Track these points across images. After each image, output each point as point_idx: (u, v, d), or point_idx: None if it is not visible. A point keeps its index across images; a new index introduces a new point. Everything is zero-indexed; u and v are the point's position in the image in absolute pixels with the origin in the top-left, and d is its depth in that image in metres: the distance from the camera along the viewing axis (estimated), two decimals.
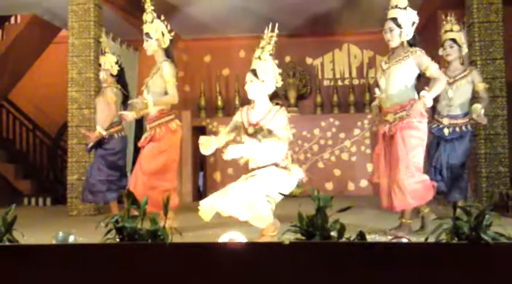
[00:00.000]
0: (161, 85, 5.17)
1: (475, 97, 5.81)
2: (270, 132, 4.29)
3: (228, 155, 4.26)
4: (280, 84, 4.45)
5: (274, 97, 4.45)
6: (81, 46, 7.20)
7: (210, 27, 10.18)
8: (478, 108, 5.55)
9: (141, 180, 5.08)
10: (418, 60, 4.60)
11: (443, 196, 5.89)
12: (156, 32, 5.22)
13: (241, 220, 4.19)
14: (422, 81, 4.79)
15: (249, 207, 4.13)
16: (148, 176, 5.11)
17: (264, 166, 4.33)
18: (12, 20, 10.61)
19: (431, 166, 5.82)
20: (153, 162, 5.13)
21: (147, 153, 5.18)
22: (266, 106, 4.39)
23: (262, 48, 4.41)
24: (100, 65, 6.51)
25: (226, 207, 4.17)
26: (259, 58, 4.38)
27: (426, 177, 4.65)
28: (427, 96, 4.44)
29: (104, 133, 6.27)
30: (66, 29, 7.62)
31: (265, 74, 4.33)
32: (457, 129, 5.77)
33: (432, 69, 4.55)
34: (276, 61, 4.45)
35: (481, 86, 5.78)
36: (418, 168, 4.61)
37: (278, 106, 4.37)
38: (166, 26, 5.31)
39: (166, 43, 5.27)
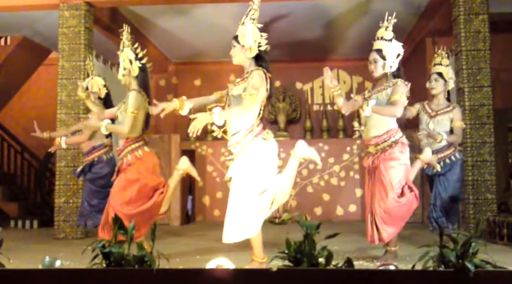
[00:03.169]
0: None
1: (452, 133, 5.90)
2: (238, 96, 4.34)
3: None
4: (264, 47, 4.40)
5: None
6: (71, 69, 7.19)
7: (200, 52, 10.25)
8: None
9: (119, 211, 4.77)
10: (395, 88, 4.64)
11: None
12: (124, 60, 5.04)
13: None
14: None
15: (236, 230, 4.25)
16: (123, 206, 4.87)
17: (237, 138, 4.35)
18: (2, 41, 10.60)
19: (430, 204, 5.89)
20: (124, 193, 4.90)
21: (117, 185, 4.98)
22: (250, 69, 4.38)
23: (246, 15, 4.44)
24: (87, 88, 6.52)
25: (227, 239, 4.30)
26: (243, 23, 4.42)
27: (409, 195, 4.69)
28: (371, 103, 4.49)
29: (64, 147, 6.42)
30: (57, 50, 7.63)
31: (244, 39, 4.35)
32: (447, 160, 5.83)
33: (398, 97, 4.56)
34: (260, 25, 4.42)
35: (458, 124, 5.85)
36: (401, 193, 4.67)
37: (255, 67, 4.35)
38: (138, 54, 5.10)
39: (135, 71, 5.04)
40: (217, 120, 4.14)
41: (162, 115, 4.51)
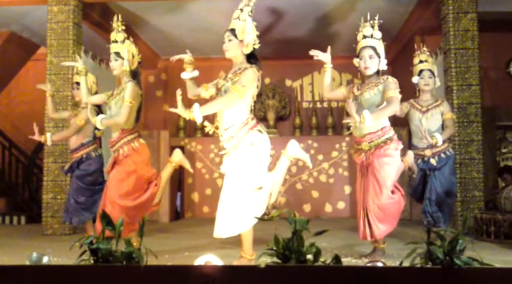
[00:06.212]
0: None
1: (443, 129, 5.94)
2: (226, 91, 4.38)
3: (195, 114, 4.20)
4: (258, 45, 4.43)
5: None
6: (60, 64, 7.15)
7: (190, 48, 10.16)
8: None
9: (116, 204, 4.82)
10: (387, 84, 4.64)
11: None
12: (128, 52, 5.09)
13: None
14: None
15: (231, 224, 4.25)
16: (121, 198, 4.87)
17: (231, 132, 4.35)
18: None
19: (425, 199, 5.91)
20: (122, 185, 4.89)
21: (114, 177, 4.96)
22: (243, 66, 4.40)
23: (241, 10, 4.44)
24: (78, 84, 6.45)
25: (219, 233, 4.30)
26: (239, 18, 4.42)
27: (398, 193, 4.76)
28: (366, 115, 4.40)
29: (49, 143, 6.33)
30: (45, 46, 7.58)
31: (243, 34, 4.36)
32: (442, 155, 5.88)
33: (393, 94, 4.55)
34: (255, 23, 4.45)
35: (449, 116, 5.90)
36: (392, 191, 4.71)
37: (249, 65, 4.37)
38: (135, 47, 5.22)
39: (135, 65, 5.15)
40: (197, 116, 4.17)
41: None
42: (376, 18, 4.84)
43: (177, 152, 5.13)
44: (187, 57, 4.72)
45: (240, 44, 4.39)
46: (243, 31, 4.36)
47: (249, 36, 4.36)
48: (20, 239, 6.57)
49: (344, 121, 4.87)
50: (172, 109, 4.36)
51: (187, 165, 5.13)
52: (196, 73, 4.72)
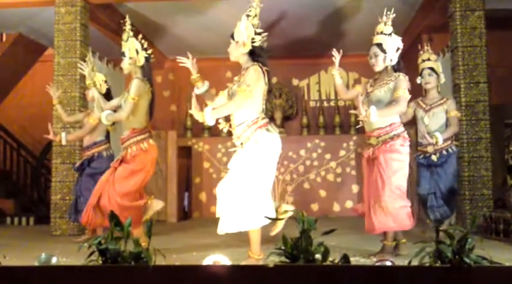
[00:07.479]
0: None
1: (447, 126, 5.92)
2: (234, 94, 4.43)
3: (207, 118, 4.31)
4: (258, 43, 4.43)
5: None
6: (67, 65, 7.17)
7: (197, 48, 10.21)
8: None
9: (114, 200, 4.91)
10: (397, 82, 4.64)
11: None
12: (130, 50, 5.11)
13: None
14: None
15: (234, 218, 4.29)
16: (121, 197, 4.94)
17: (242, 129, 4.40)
18: None
19: (430, 194, 5.89)
20: (126, 183, 4.98)
21: (119, 174, 5.03)
22: (246, 66, 4.44)
23: (245, 13, 4.48)
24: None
25: (221, 229, 4.39)
26: (240, 20, 4.47)
27: (409, 203, 4.71)
28: (372, 111, 4.39)
29: (64, 143, 6.34)
30: (52, 47, 7.60)
31: (239, 35, 4.41)
32: (444, 151, 5.86)
33: (401, 93, 4.56)
34: (256, 22, 4.46)
35: (453, 113, 5.88)
36: (402, 192, 4.68)
37: (251, 63, 4.39)
38: (143, 45, 5.20)
39: (141, 61, 5.13)
40: (209, 119, 4.28)
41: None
42: (390, 13, 4.83)
43: (159, 203, 5.31)
44: (194, 74, 4.67)
45: (237, 44, 4.44)
46: (238, 32, 4.42)
47: (242, 35, 4.39)
48: (28, 240, 6.59)
49: (351, 111, 4.94)
50: (190, 111, 4.50)
51: (149, 213, 5.21)
52: (206, 86, 4.71)
